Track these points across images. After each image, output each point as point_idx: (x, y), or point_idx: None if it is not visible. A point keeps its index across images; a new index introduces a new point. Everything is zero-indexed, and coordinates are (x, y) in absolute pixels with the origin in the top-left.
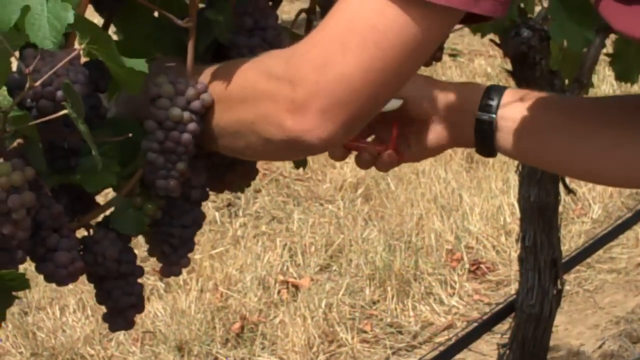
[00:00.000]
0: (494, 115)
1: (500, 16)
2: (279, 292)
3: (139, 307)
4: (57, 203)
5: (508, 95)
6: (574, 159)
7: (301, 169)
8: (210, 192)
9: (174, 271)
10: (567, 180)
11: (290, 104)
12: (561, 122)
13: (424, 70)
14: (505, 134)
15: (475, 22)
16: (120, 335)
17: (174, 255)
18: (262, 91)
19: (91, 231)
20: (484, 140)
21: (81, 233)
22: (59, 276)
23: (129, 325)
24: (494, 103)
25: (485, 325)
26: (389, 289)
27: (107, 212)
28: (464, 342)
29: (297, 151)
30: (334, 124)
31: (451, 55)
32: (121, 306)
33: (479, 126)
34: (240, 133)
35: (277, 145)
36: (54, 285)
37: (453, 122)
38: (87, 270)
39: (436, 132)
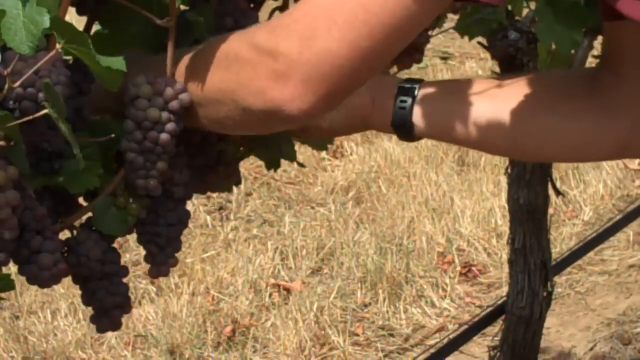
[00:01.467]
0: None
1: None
2: (270, 295)
3: (125, 307)
4: (40, 205)
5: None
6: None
7: (292, 173)
8: (202, 196)
9: (162, 271)
10: (557, 182)
11: (271, 73)
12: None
13: (411, 73)
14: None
15: (473, 1)
16: (112, 339)
17: (161, 254)
18: (245, 59)
19: (74, 232)
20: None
21: (65, 235)
22: (42, 278)
23: (115, 325)
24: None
25: (476, 328)
26: (380, 291)
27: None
28: (455, 344)
29: (276, 122)
30: (315, 95)
31: (442, 58)
32: (106, 306)
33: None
34: (221, 102)
35: (257, 115)
36: (45, 289)
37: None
38: (71, 272)
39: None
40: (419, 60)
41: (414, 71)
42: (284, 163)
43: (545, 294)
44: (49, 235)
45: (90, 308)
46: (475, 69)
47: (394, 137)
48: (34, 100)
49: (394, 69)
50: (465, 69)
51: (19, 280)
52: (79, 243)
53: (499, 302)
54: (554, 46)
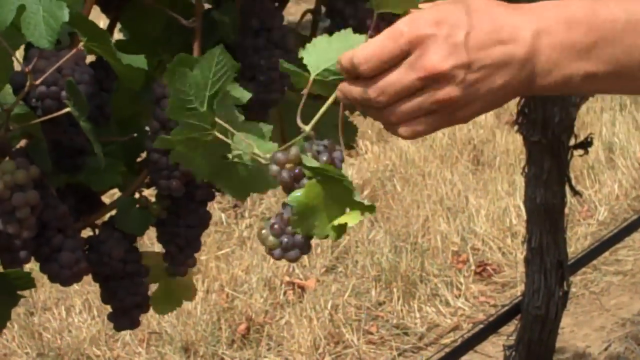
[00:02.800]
0: None
1: None
2: (284, 293)
3: (144, 306)
4: (62, 203)
5: None
6: None
7: None
8: (217, 193)
9: (180, 271)
10: (572, 182)
11: None
12: None
13: None
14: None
15: None
16: (127, 335)
17: (180, 255)
18: None
19: (97, 231)
20: None
21: (87, 232)
22: (63, 276)
23: (134, 324)
24: None
25: (491, 327)
26: (394, 290)
27: (113, 212)
28: (470, 343)
29: None
30: None
31: None
32: (126, 306)
33: None
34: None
35: None
36: (59, 285)
37: None
38: (92, 270)
39: None
40: None
41: None
42: None
43: (561, 293)
44: (70, 234)
45: (106, 305)
46: None
47: None
48: (57, 98)
49: None
50: None
51: (34, 277)
52: (101, 242)
53: (515, 301)
54: None
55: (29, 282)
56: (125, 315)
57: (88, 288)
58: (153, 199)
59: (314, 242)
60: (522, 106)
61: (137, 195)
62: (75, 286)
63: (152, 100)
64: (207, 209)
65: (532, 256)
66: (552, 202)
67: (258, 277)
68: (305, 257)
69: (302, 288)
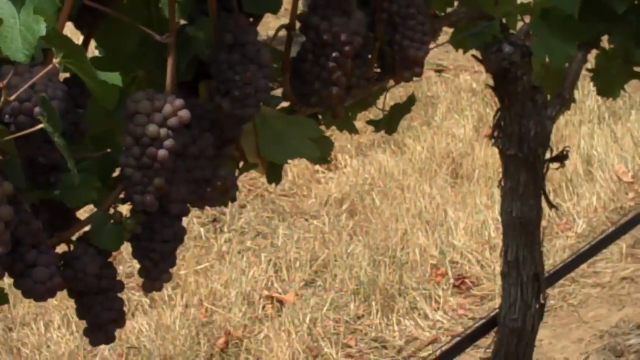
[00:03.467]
0: None
1: None
2: (263, 307)
3: (120, 321)
4: (36, 219)
5: None
6: None
7: (286, 185)
8: (195, 209)
9: (156, 286)
10: (550, 195)
11: None
12: None
13: (406, 86)
14: None
15: None
16: (105, 350)
17: (156, 270)
18: None
19: (71, 247)
20: None
21: (62, 248)
22: (37, 292)
23: (109, 339)
24: None
25: (469, 340)
26: (373, 303)
27: (88, 228)
28: (448, 356)
29: None
30: None
31: (437, 71)
32: (101, 321)
33: None
34: None
35: None
36: (35, 301)
37: None
38: (66, 286)
39: None
40: (419, 74)
41: (408, 83)
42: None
43: (537, 306)
44: (44, 249)
45: (84, 321)
46: (469, 81)
47: (388, 150)
48: (30, 114)
49: (391, 82)
50: (459, 81)
51: (12, 293)
52: (75, 258)
53: (492, 314)
54: (547, 59)
55: (2, 298)
56: (100, 330)
57: (67, 303)
58: (128, 214)
59: (293, 256)
60: (498, 120)
61: (111, 211)
62: (54, 301)
63: (126, 116)
64: (183, 223)
65: (508, 269)
66: (528, 216)
67: (237, 292)
68: (284, 270)
69: (281, 302)
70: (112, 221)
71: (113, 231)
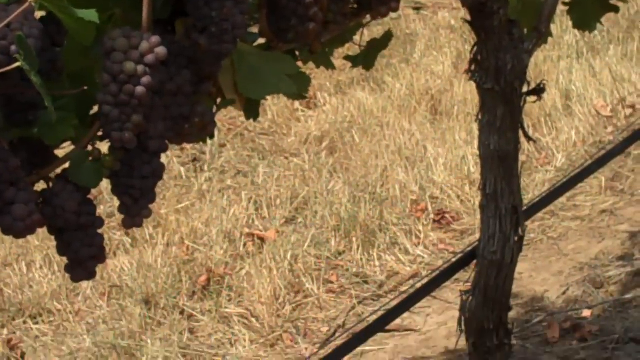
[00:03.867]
0: None
1: None
2: (244, 244)
3: (100, 257)
4: (14, 157)
5: None
6: None
7: (266, 124)
8: (176, 147)
9: (136, 222)
10: (529, 129)
11: None
12: None
13: (384, 24)
14: None
15: None
16: (87, 289)
17: (135, 206)
18: None
19: (50, 184)
20: None
21: (41, 186)
22: (16, 229)
23: (90, 275)
24: None
25: (448, 273)
26: (354, 239)
27: (66, 165)
28: (428, 289)
29: None
30: None
31: (415, 8)
32: (82, 257)
33: None
34: None
35: None
36: (20, 241)
37: None
38: (46, 223)
39: None
40: (396, 9)
41: (386, 21)
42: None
43: (516, 239)
44: (23, 187)
45: (65, 258)
46: (447, 19)
47: (367, 87)
48: (7, 53)
49: (368, 17)
50: (438, 19)
51: None
52: (54, 195)
53: (471, 247)
54: None
55: None
56: (81, 266)
57: (48, 244)
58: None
59: (273, 193)
60: (475, 54)
61: (90, 148)
62: (36, 242)
63: (103, 54)
64: (163, 162)
65: (487, 202)
66: (506, 149)
67: (218, 230)
68: (265, 208)
69: (262, 239)
70: (90, 158)
71: (92, 168)
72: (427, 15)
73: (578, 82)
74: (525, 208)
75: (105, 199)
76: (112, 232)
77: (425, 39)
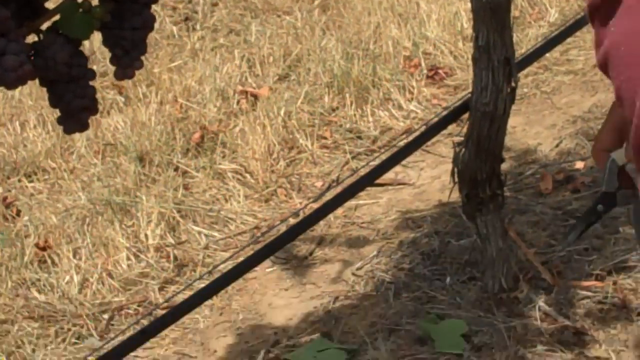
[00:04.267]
0: None
1: None
2: (238, 102)
3: (92, 109)
4: (4, 7)
5: None
6: None
7: None
8: (168, 7)
9: (128, 74)
10: None
11: None
12: None
13: None
14: None
15: None
16: (82, 148)
17: (127, 57)
18: None
19: (41, 36)
20: None
21: (32, 39)
22: (7, 79)
23: (83, 127)
24: None
25: (441, 125)
26: (347, 96)
27: (57, 17)
28: (420, 142)
29: None
30: None
31: None
32: (74, 108)
33: None
34: None
35: None
36: (14, 101)
37: None
38: (37, 74)
39: None
40: None
41: None
42: None
43: (509, 90)
44: (13, 38)
45: (54, 108)
46: None
47: None
48: None
49: None
50: None
51: None
52: (45, 46)
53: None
54: None
55: None
56: (73, 118)
57: (42, 103)
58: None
59: (266, 51)
60: None
61: (80, 0)
62: (29, 101)
63: None
64: (156, 22)
65: (479, 54)
66: (497, 1)
67: (211, 88)
68: (258, 66)
69: (255, 96)
70: (81, 10)
71: (82, 19)
72: None
73: None
74: (518, 60)
75: (98, 59)
76: (106, 92)
77: None
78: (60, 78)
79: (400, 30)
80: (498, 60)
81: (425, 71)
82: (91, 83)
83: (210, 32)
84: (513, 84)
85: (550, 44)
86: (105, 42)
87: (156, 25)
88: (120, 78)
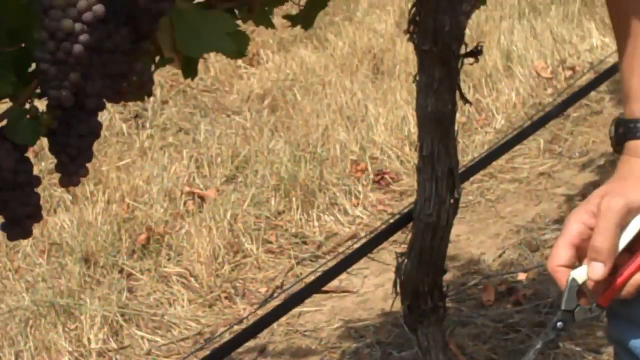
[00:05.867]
0: None
1: None
2: (185, 203)
3: (37, 216)
4: None
5: None
6: None
7: (208, 81)
8: (117, 105)
9: (73, 181)
10: (470, 90)
11: None
12: None
13: None
14: None
15: None
16: (27, 247)
17: (73, 165)
18: None
19: None
20: None
21: None
22: None
23: (26, 234)
24: None
25: (385, 234)
26: (294, 199)
27: (4, 123)
28: (364, 250)
29: None
30: None
31: None
32: (18, 216)
33: None
34: None
35: None
36: None
37: None
38: None
39: None
40: None
41: None
42: (200, 71)
43: (452, 201)
44: None
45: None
46: None
47: (310, 45)
48: None
49: None
50: None
51: None
52: None
53: (408, 209)
54: None
55: None
56: (18, 225)
57: None
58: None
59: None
60: (414, 15)
61: (27, 106)
62: None
63: (40, 11)
64: (104, 118)
65: (423, 164)
66: (442, 111)
67: (158, 188)
68: (206, 166)
69: (202, 198)
70: (27, 116)
71: (29, 126)
72: None
73: (519, 42)
74: (463, 170)
75: (47, 156)
76: (53, 189)
77: None
78: (5, 185)
79: (347, 133)
80: (442, 171)
81: (371, 176)
82: (36, 189)
83: (160, 130)
84: (456, 195)
85: (496, 153)
86: (51, 149)
87: (106, 122)
88: (66, 185)
